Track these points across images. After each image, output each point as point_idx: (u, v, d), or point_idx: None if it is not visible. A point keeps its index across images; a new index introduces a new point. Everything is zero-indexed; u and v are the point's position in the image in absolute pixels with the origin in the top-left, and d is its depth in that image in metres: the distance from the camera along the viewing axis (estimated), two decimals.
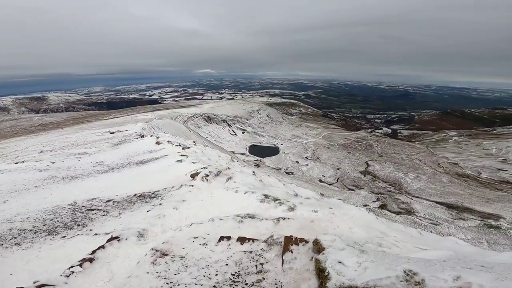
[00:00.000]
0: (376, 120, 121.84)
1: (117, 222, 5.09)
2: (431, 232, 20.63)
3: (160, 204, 5.74)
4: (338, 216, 4.72)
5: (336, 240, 3.04)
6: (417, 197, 32.33)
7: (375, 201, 31.20)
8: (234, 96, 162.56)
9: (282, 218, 4.50)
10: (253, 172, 8.83)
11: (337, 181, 38.98)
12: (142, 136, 17.94)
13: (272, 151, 53.53)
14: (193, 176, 7.27)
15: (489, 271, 2.23)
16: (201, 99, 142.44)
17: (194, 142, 17.58)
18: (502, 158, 48.55)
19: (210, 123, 62.12)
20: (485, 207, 28.63)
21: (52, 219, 5.28)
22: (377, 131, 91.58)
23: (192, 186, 6.62)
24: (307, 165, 45.29)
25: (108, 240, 3.90)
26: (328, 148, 54.92)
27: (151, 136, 17.49)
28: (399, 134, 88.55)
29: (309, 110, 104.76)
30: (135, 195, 6.51)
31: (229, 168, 8.27)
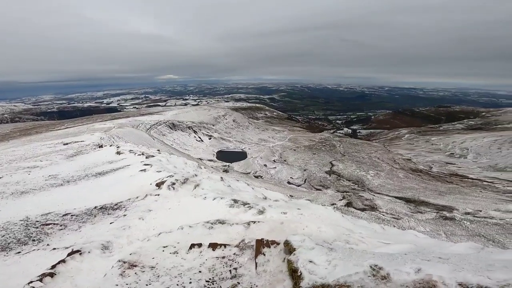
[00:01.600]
0: (337, 121, 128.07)
1: (77, 236, 4.84)
2: (394, 226, 21.91)
3: (125, 215, 5.49)
4: (307, 216, 4.87)
5: (305, 240, 3.11)
6: (379, 193, 34.27)
7: (341, 200, 32.47)
8: (199, 102, 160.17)
9: (252, 222, 4.52)
10: (221, 178, 8.79)
11: (305, 182, 40.02)
12: (101, 146, 16.82)
13: (240, 156, 53.53)
14: (159, 185, 7.05)
15: (446, 262, 2.41)
16: (165, 105, 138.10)
17: (158, 150, 16.93)
18: (449, 153, 53.72)
19: (175, 130, 60.41)
20: (439, 199, 30.99)
21: (3, 235, 4.94)
22: (338, 131, 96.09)
23: (158, 195, 6.44)
24: (275, 168, 45.95)
25: (69, 254, 3.66)
26: (295, 150, 56.33)
27: (110, 146, 16.46)
28: (358, 134, 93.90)
29: (275, 113, 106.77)
30: (95, 207, 6.15)
31: (196, 175, 8.15)
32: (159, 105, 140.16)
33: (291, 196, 29.65)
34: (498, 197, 30.22)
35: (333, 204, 30.49)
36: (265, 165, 47.14)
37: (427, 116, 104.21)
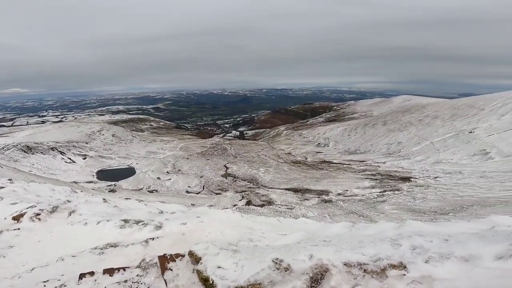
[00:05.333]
0: (225, 125, 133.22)
1: None
2: (290, 216, 24.34)
3: None
4: (207, 222, 4.92)
5: (209, 247, 3.12)
6: (271, 188, 37.53)
7: (241, 200, 33.78)
8: (63, 118, 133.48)
9: (150, 238, 4.29)
10: (104, 199, 7.89)
11: (203, 188, 39.77)
12: None
13: (128, 172, 48.09)
14: (17, 218, 5.74)
15: (329, 244, 2.83)
16: (12, 125, 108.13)
17: (10, 180, 13.13)
18: (317, 143, 64.73)
19: (33, 154, 48.36)
20: (317, 185, 35.96)
21: None
22: (228, 135, 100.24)
23: (19, 229, 5.26)
24: (170, 179, 43.71)
25: None
26: (188, 158, 55.10)
27: None
28: (246, 135, 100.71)
29: (161, 123, 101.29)
30: None
31: (69, 201, 7.03)
32: (3, 126, 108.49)
33: (192, 204, 28.89)
34: (356, 176, 37.63)
35: (235, 205, 31.38)
36: (159, 178, 44.18)
37: (297, 113, 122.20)
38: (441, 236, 2.62)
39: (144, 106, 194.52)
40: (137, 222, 5.07)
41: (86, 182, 41.75)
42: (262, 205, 31.06)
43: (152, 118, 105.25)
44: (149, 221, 5.07)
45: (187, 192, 38.94)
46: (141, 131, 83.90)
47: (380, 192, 30.55)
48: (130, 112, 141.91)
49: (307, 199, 31.56)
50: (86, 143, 60.29)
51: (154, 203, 9.65)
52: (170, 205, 7.84)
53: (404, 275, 2.31)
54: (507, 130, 37.60)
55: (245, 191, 36.83)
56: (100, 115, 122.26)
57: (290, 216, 24.47)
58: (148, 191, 39.31)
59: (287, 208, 29.29)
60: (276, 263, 2.52)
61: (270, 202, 31.92)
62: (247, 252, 2.97)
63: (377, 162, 43.26)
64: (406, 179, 33.21)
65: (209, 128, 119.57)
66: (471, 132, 41.10)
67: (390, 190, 30.40)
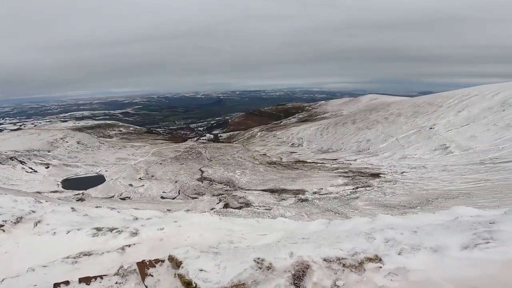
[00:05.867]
0: (199, 128, 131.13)
1: None
2: (268, 217, 24.44)
3: None
4: (185, 227, 4.89)
5: (189, 251, 3.10)
6: (248, 189, 37.50)
7: (218, 203, 33.42)
8: (22, 125, 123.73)
9: (127, 245, 4.21)
10: (72, 208, 7.64)
11: (179, 193, 38.92)
12: None
13: (96, 180, 45.87)
14: None
15: (308, 241, 2.91)
16: None
17: None
18: (291, 143, 65.86)
19: None
20: (293, 185, 36.38)
21: None
22: (202, 138, 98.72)
23: None
24: (143, 185, 42.28)
25: None
26: (161, 164, 53.56)
27: None
28: (220, 138, 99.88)
29: (131, 129, 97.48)
30: None
31: (34, 212, 6.74)
32: None
33: (168, 210, 28.15)
34: (330, 174, 38.66)
35: (212, 209, 31.04)
36: (131, 185, 42.59)
37: (271, 114, 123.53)
38: (410, 228, 2.78)
39: (112, 111, 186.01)
40: (111, 230, 4.95)
41: (51, 192, 39.17)
42: (240, 207, 30.97)
43: (121, 124, 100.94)
44: (124, 228, 4.96)
45: (162, 197, 37.97)
46: (110, 137, 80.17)
47: (353, 189, 31.68)
48: (97, 118, 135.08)
49: (284, 199, 31.94)
50: (49, 152, 56.43)
51: (127, 210, 9.39)
52: (145, 211, 7.69)
53: (381, 267, 2.42)
54: (463, 126, 40.87)
55: (222, 194, 36.54)
56: (63, 121, 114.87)
57: (269, 216, 24.62)
58: (120, 198, 37.87)
59: (265, 209, 29.44)
60: (258, 262, 2.55)
61: (248, 204, 31.94)
62: (228, 253, 2.98)
63: (348, 160, 44.93)
64: (376, 175, 34.83)
65: (182, 132, 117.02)
66: (431, 128, 44.13)
67: (362, 187, 31.65)
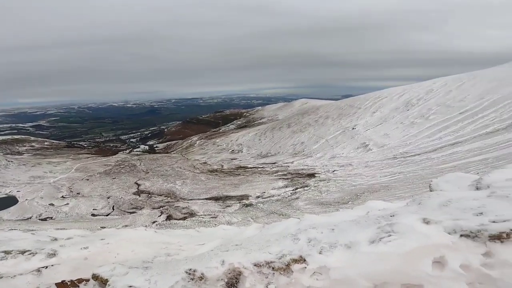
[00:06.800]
0: (131, 140, 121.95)
1: None
2: (215, 225, 23.84)
3: None
4: (115, 243, 4.68)
5: (116, 267, 2.94)
6: (191, 199, 36.18)
7: (160, 215, 31.62)
8: None
9: (43, 267, 3.94)
10: None
11: (113, 209, 35.51)
12: None
13: (7, 202, 39.38)
14: None
15: (240, 247, 2.93)
16: None
17: None
18: (231, 150, 66.14)
19: None
20: (236, 191, 36.42)
21: None
22: (135, 150, 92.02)
23: None
24: (68, 204, 37.47)
25: None
26: (88, 180, 47.92)
27: None
28: (156, 149, 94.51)
29: (46, 143, 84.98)
30: None
31: None
32: None
33: (102, 227, 25.36)
34: (270, 178, 39.91)
35: (154, 222, 29.34)
36: (52, 204, 37.51)
37: (209, 122, 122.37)
38: (329, 226, 3.00)
39: (20, 125, 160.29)
40: (23, 252, 4.56)
41: None
42: (184, 218, 30.01)
43: (33, 138, 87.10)
44: (38, 250, 4.62)
45: (94, 215, 34.34)
46: (19, 154, 68.60)
47: (293, 190, 33.33)
48: (1, 133, 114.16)
49: (229, 206, 31.97)
50: None
51: (46, 231, 8.35)
52: (66, 231, 7.02)
53: (305, 267, 2.54)
54: (378, 125, 47.04)
55: (163, 206, 34.69)
56: None
57: (215, 224, 24.27)
58: (40, 219, 33.19)
59: (211, 217, 29.05)
60: (189, 273, 2.52)
61: (192, 214, 31.03)
62: (159, 267, 2.90)
63: (286, 163, 47.27)
64: (312, 175, 37.40)
65: (111, 145, 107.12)
66: (353, 128, 49.66)
67: (301, 187, 33.56)
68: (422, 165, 29.53)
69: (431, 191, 4.43)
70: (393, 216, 2.98)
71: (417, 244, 2.43)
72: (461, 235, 2.49)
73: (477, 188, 3.97)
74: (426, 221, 2.72)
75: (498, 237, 2.39)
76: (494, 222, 2.54)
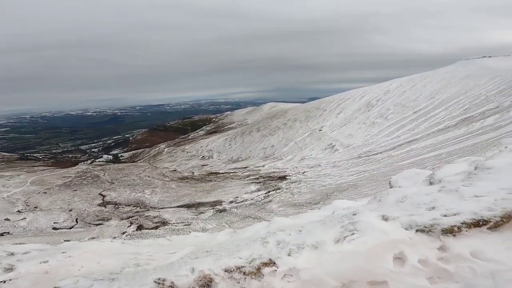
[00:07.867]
0: (93, 150, 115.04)
1: None
2: (189, 232, 23.14)
3: None
4: (78, 256, 4.51)
5: (79, 280, 2.81)
6: (162, 208, 34.82)
7: (129, 226, 30.00)
8: None
9: (1, 281, 3.78)
10: None
11: (77, 222, 33.13)
12: None
13: None
14: None
15: (210, 254, 2.91)
16: None
17: None
18: (201, 156, 65.03)
19: None
20: (209, 197, 35.63)
21: None
22: (98, 160, 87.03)
23: None
24: (25, 218, 34.31)
25: None
26: (45, 193, 44.26)
27: None
28: (121, 158, 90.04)
29: None
30: None
31: None
32: None
33: (66, 240, 23.56)
34: (243, 182, 39.70)
35: (124, 233, 27.73)
36: (8, 219, 34.25)
37: (177, 129, 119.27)
38: (297, 228, 3.07)
39: None
40: None
41: None
42: (156, 227, 28.72)
43: None
44: None
45: (55, 228, 31.75)
46: None
47: (266, 193, 33.51)
48: None
49: (202, 213, 31.31)
50: None
51: (2, 245, 7.66)
52: (24, 246, 6.52)
53: (276, 270, 2.57)
54: (343, 126, 49.20)
55: (133, 216, 33.02)
56: None
57: (189, 232, 23.55)
58: None
59: (185, 225, 28.18)
60: (158, 283, 2.45)
61: (164, 223, 29.87)
62: (127, 278, 2.79)
63: (257, 167, 47.53)
64: (283, 177, 38.00)
65: (70, 156, 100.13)
66: (320, 130, 51.45)
67: (273, 190, 33.88)
68: (384, 163, 31.33)
69: (390, 187, 4.75)
70: (355, 214, 3.10)
71: (377, 241, 2.53)
72: (417, 230, 2.62)
73: (430, 183, 4.31)
74: (385, 218, 2.85)
75: (450, 231, 2.54)
76: (445, 216, 2.70)
